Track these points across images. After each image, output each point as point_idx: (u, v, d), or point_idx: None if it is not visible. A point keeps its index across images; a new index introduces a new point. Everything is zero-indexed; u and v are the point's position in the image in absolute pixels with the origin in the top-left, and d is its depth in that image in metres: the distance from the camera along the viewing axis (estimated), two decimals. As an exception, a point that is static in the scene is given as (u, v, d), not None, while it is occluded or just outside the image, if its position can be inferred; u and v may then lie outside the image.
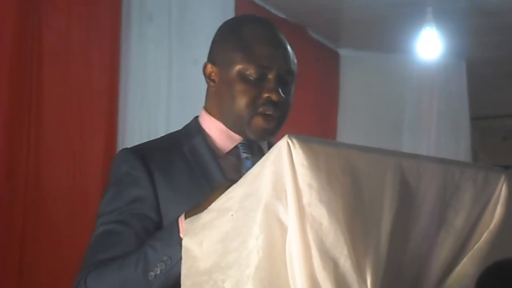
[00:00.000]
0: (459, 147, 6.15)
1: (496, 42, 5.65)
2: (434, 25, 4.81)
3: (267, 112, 1.68)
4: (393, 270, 1.39)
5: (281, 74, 1.70)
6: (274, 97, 1.68)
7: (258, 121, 1.69)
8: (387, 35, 5.48)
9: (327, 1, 4.92)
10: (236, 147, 1.74)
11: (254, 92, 1.68)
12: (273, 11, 4.94)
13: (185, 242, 1.46)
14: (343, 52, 5.94)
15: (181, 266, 1.46)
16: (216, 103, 1.75)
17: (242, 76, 1.69)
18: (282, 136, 1.31)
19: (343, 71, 5.94)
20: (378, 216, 1.35)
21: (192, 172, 1.68)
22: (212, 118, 1.76)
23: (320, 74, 5.63)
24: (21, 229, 3.11)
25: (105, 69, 3.61)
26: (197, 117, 1.80)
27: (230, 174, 1.70)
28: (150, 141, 1.80)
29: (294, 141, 1.28)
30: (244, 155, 1.74)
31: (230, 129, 1.73)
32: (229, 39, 1.73)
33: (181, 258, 1.47)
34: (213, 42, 1.79)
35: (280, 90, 1.69)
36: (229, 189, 1.42)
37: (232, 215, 1.38)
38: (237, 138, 1.74)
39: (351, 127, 5.82)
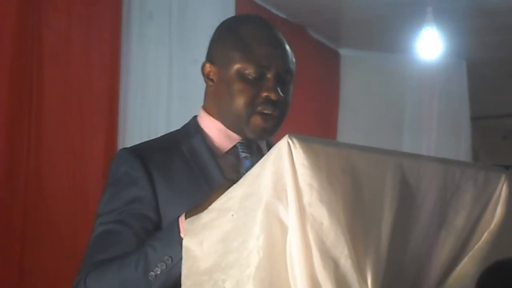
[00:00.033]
0: (459, 147, 6.15)
1: (496, 42, 5.65)
2: (434, 25, 4.81)
3: (266, 111, 1.68)
4: (394, 270, 1.39)
5: (280, 74, 1.70)
6: (273, 96, 1.68)
7: (257, 120, 1.69)
8: (387, 35, 5.47)
9: (327, 1, 4.92)
10: (235, 146, 1.74)
11: (253, 92, 1.68)
12: (273, 11, 4.94)
13: (185, 242, 1.46)
14: (343, 52, 5.94)
15: (181, 266, 1.46)
16: (215, 103, 1.75)
17: (240, 76, 1.69)
18: (282, 136, 1.31)
19: (344, 71, 5.94)
20: (378, 216, 1.35)
21: (191, 171, 1.68)
22: (211, 118, 1.75)
23: (320, 74, 5.62)
24: (21, 229, 3.11)
25: (106, 68, 3.61)
26: (195, 116, 1.80)
27: (229, 173, 1.70)
28: (149, 141, 1.80)
29: (295, 141, 1.28)
30: (243, 154, 1.74)
31: (229, 129, 1.73)
32: (228, 38, 1.73)
33: (181, 258, 1.46)
34: (211, 41, 1.79)
35: (279, 89, 1.69)
36: (230, 189, 1.42)
37: (232, 215, 1.38)
38: (236, 138, 1.74)
39: (352, 127, 5.82)
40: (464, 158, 5.98)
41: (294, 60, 1.75)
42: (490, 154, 8.07)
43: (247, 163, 1.73)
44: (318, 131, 5.48)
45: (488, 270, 1.58)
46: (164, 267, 1.53)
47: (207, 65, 1.76)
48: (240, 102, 1.69)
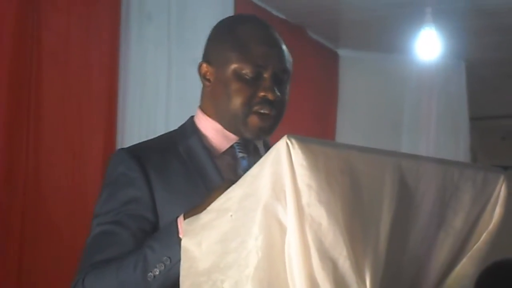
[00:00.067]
0: (458, 148, 6.15)
1: (495, 42, 5.65)
2: (433, 26, 4.81)
3: (263, 111, 1.68)
4: (392, 271, 1.39)
5: (277, 73, 1.70)
6: (270, 96, 1.68)
7: (254, 120, 1.69)
8: (386, 36, 5.47)
9: (326, 1, 4.92)
10: (232, 146, 1.75)
11: (250, 91, 1.68)
12: (272, 11, 4.94)
13: (184, 243, 1.46)
14: (342, 52, 5.94)
15: (180, 267, 1.46)
16: (212, 103, 1.75)
17: (237, 75, 1.69)
18: (281, 136, 1.31)
19: (343, 71, 5.93)
20: (377, 216, 1.35)
21: (188, 172, 1.68)
22: (208, 118, 1.75)
23: (319, 74, 5.62)
24: (20, 229, 3.11)
25: (104, 69, 3.61)
26: (192, 117, 1.80)
27: (226, 173, 1.70)
28: (146, 141, 1.80)
29: (293, 141, 1.28)
30: (240, 154, 1.74)
31: (226, 129, 1.73)
32: (224, 38, 1.73)
33: (180, 259, 1.46)
34: (208, 41, 1.79)
35: (276, 89, 1.69)
36: (228, 190, 1.42)
37: (231, 215, 1.38)
38: (233, 138, 1.74)
39: (350, 127, 5.81)
40: (463, 158, 5.98)
41: (290, 59, 1.75)
42: (489, 154, 8.06)
43: (244, 163, 1.73)
44: (317, 131, 5.48)
45: (487, 270, 1.58)
46: (163, 268, 1.53)
47: (204, 65, 1.76)
48: (237, 102, 1.69)
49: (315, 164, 1.28)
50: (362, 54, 5.88)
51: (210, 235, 1.41)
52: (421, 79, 5.69)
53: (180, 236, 1.50)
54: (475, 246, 1.54)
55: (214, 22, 1.84)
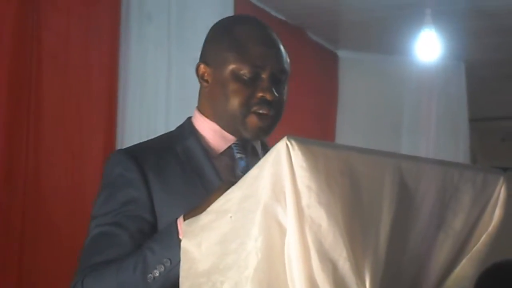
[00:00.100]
0: (458, 149, 6.15)
1: (495, 44, 5.65)
2: (433, 27, 4.81)
3: (261, 111, 1.68)
4: (392, 272, 1.39)
5: (275, 74, 1.70)
6: (268, 96, 1.68)
7: (253, 120, 1.69)
8: (386, 37, 5.48)
9: (326, 3, 4.92)
10: (229, 147, 1.74)
11: (248, 92, 1.68)
12: (272, 12, 4.94)
13: (183, 244, 1.46)
14: (342, 53, 5.94)
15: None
16: (210, 103, 1.75)
17: (235, 76, 1.69)
18: (280, 137, 1.31)
19: (342, 72, 5.93)
20: (377, 217, 1.35)
21: (186, 173, 1.68)
22: (206, 119, 1.75)
23: (319, 76, 5.63)
24: (20, 229, 3.11)
25: (104, 69, 3.61)
26: (190, 117, 1.80)
27: (224, 174, 1.70)
28: (143, 142, 1.80)
29: (293, 143, 1.28)
30: (238, 155, 1.74)
31: (224, 129, 1.73)
32: (222, 39, 1.73)
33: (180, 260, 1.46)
34: (205, 42, 1.79)
35: (274, 90, 1.69)
36: (228, 191, 1.42)
37: (231, 216, 1.38)
38: (231, 139, 1.74)
39: (350, 128, 5.82)
40: (463, 160, 5.98)
41: (288, 60, 1.75)
42: (489, 156, 8.06)
43: (242, 163, 1.73)
44: (317, 132, 5.48)
45: (487, 272, 1.59)
46: (163, 269, 1.53)
47: (202, 66, 1.76)
48: (235, 102, 1.68)
49: (315, 165, 1.28)
50: (362, 55, 5.88)
51: (209, 236, 1.41)
52: (420, 80, 5.69)
53: (180, 237, 1.50)
54: (474, 248, 1.54)
55: (213, 23, 1.84)
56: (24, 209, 3.12)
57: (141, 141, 1.82)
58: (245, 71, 1.68)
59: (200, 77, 1.76)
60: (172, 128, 1.82)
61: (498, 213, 1.55)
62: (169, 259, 1.52)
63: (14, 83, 3.11)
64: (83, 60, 3.49)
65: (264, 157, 1.34)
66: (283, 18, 5.06)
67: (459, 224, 1.51)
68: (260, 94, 1.68)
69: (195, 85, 1.81)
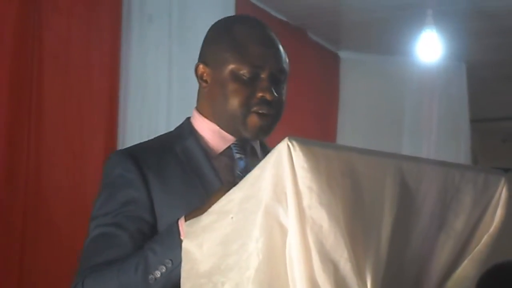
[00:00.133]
0: (459, 150, 6.15)
1: (496, 44, 5.65)
2: (434, 28, 4.81)
3: (261, 111, 1.68)
4: (393, 273, 1.39)
5: (274, 73, 1.70)
6: (268, 96, 1.68)
7: (254, 120, 1.68)
8: (387, 38, 5.48)
9: (327, 3, 4.92)
10: (229, 147, 1.74)
11: (248, 92, 1.68)
12: (273, 13, 4.95)
13: (185, 245, 1.45)
14: (343, 54, 5.94)
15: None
16: (209, 104, 1.74)
17: (235, 76, 1.69)
18: (281, 138, 1.31)
19: (343, 73, 5.94)
20: (378, 218, 1.35)
21: (185, 173, 1.68)
22: (205, 119, 1.75)
23: (320, 76, 5.63)
24: (21, 229, 3.11)
25: (106, 69, 3.61)
26: (189, 118, 1.79)
27: (223, 174, 1.70)
28: (142, 142, 1.79)
29: (294, 143, 1.28)
30: (237, 155, 1.73)
31: (224, 129, 1.73)
32: (221, 39, 1.73)
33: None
34: (204, 42, 1.79)
35: (273, 89, 1.69)
36: (229, 192, 1.42)
37: (232, 217, 1.38)
38: (230, 139, 1.74)
39: (351, 129, 5.82)
40: (464, 160, 5.98)
41: (287, 60, 1.75)
42: (490, 157, 8.06)
43: (241, 164, 1.73)
44: (318, 133, 5.48)
45: (488, 273, 1.58)
46: (164, 270, 1.52)
47: (201, 66, 1.75)
48: (235, 102, 1.68)
49: (316, 166, 1.28)
50: (363, 56, 5.88)
51: (211, 237, 1.41)
52: (422, 81, 5.70)
53: (181, 238, 1.50)
54: (476, 248, 1.54)
55: (214, 23, 1.84)
56: (25, 209, 3.13)
57: (142, 141, 1.82)
58: (244, 71, 1.68)
59: (199, 77, 1.76)
60: (173, 128, 1.82)
61: (499, 214, 1.55)
62: (171, 260, 1.52)
63: (15, 83, 3.12)
64: (84, 60, 3.49)
65: (265, 158, 1.34)
66: (284, 18, 5.07)
67: (460, 225, 1.50)
68: (260, 94, 1.68)
69: (196, 85, 1.81)
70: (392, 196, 1.37)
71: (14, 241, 3.08)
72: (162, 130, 1.85)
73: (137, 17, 3.77)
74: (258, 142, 1.78)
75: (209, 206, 1.45)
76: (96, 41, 3.56)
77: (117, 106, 3.65)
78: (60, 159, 3.33)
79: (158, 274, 1.53)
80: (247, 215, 1.34)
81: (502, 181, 1.55)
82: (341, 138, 5.76)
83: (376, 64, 5.89)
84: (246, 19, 1.79)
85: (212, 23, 1.83)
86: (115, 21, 3.67)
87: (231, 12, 4.10)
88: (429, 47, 4.91)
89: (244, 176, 1.40)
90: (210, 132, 1.74)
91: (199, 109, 1.77)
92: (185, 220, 1.51)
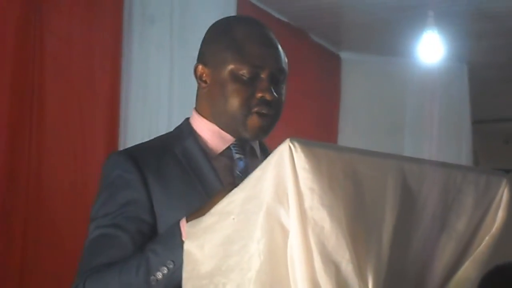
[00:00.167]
0: (460, 151, 6.15)
1: (497, 46, 5.65)
2: (435, 29, 4.81)
3: (262, 111, 1.68)
4: (395, 274, 1.38)
5: (273, 73, 1.70)
6: (268, 96, 1.68)
7: (254, 120, 1.68)
8: (388, 39, 5.48)
9: (328, 4, 4.92)
10: (228, 148, 1.74)
11: (248, 92, 1.68)
12: (274, 14, 4.95)
13: (186, 245, 1.45)
14: (344, 55, 5.94)
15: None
16: (208, 104, 1.74)
17: (234, 76, 1.68)
18: (282, 139, 1.30)
19: (345, 74, 5.94)
20: (380, 219, 1.35)
21: (185, 173, 1.67)
22: (204, 119, 1.75)
23: (321, 77, 5.63)
24: (22, 230, 3.11)
25: (107, 71, 3.61)
26: (188, 118, 1.79)
27: (223, 175, 1.69)
28: (141, 143, 1.79)
29: (296, 144, 1.28)
30: (237, 155, 1.73)
31: (223, 130, 1.72)
32: (220, 39, 1.73)
33: (184, 262, 1.46)
34: (203, 43, 1.78)
35: (273, 89, 1.69)
36: (231, 193, 1.42)
37: (233, 218, 1.37)
38: (229, 139, 1.73)
39: (352, 130, 5.82)
40: (465, 161, 5.98)
41: (286, 60, 1.75)
42: (491, 158, 8.06)
43: (241, 164, 1.72)
44: (319, 134, 5.48)
45: (489, 274, 1.58)
46: (166, 271, 1.52)
47: (200, 66, 1.75)
48: (235, 103, 1.68)
49: (318, 167, 1.28)
50: (364, 57, 5.88)
51: (212, 238, 1.41)
52: (423, 82, 5.69)
53: (183, 239, 1.50)
54: (477, 250, 1.54)
55: (216, 25, 1.84)
56: (26, 209, 3.13)
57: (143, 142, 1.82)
58: (244, 71, 1.68)
59: (198, 78, 1.76)
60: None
61: (501, 215, 1.55)
62: (173, 261, 1.51)
63: (17, 85, 3.12)
64: (85, 61, 3.49)
65: (267, 159, 1.34)
66: (285, 20, 5.07)
67: (462, 226, 1.50)
68: (259, 95, 1.68)
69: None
70: (394, 197, 1.37)
71: (15, 243, 3.08)
72: (163, 131, 1.85)
73: (138, 18, 3.78)
74: (257, 142, 1.78)
75: (211, 207, 1.45)
76: (98, 42, 3.56)
77: (119, 107, 3.65)
78: (61, 160, 3.33)
79: (159, 275, 1.52)
80: (249, 216, 1.34)
81: (504, 182, 1.55)
82: (342, 139, 5.76)
83: (378, 65, 5.89)
84: (244, 19, 1.79)
85: (214, 24, 1.83)
86: (117, 22, 3.67)
87: (232, 14, 4.10)
88: (431, 48, 4.90)
89: (244, 176, 1.40)
90: (209, 132, 1.74)
91: (198, 110, 1.77)
92: (187, 221, 1.51)
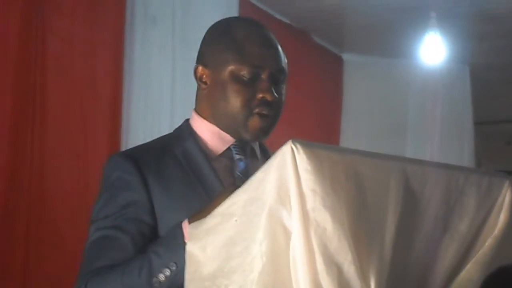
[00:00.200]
0: (462, 152, 6.15)
1: (499, 47, 5.65)
2: (437, 30, 4.81)
3: (263, 112, 1.68)
4: (397, 276, 1.38)
5: (274, 74, 1.70)
6: (268, 97, 1.67)
7: (255, 121, 1.68)
8: (390, 40, 5.48)
9: (331, 6, 4.92)
10: (228, 148, 1.73)
11: (248, 93, 1.67)
12: (277, 16, 4.95)
13: (188, 247, 1.45)
14: (346, 57, 5.94)
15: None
16: (209, 105, 1.74)
17: (235, 77, 1.68)
18: (285, 141, 1.30)
19: (347, 76, 5.94)
20: (382, 221, 1.35)
21: (185, 175, 1.67)
22: (204, 120, 1.75)
23: (323, 79, 5.63)
24: (25, 231, 3.11)
25: (109, 72, 3.61)
26: (188, 119, 1.79)
27: (223, 176, 1.69)
28: (141, 144, 1.79)
29: (298, 146, 1.28)
30: (237, 156, 1.73)
31: (223, 131, 1.72)
32: (220, 40, 1.72)
33: (186, 263, 1.46)
34: (202, 44, 1.78)
35: (273, 90, 1.68)
36: (233, 194, 1.42)
37: (236, 220, 1.37)
38: (229, 140, 1.73)
39: (355, 132, 5.82)
40: (467, 163, 5.97)
41: (286, 60, 1.75)
42: (493, 159, 8.06)
43: (241, 165, 1.72)
44: (321, 136, 5.48)
45: (492, 276, 1.57)
46: (168, 273, 1.52)
47: (200, 67, 1.75)
48: (236, 104, 1.68)
49: (320, 169, 1.28)
50: (367, 58, 5.88)
51: (214, 239, 1.41)
52: (425, 83, 5.69)
53: (185, 240, 1.49)
54: (480, 251, 1.54)
55: (217, 25, 1.84)
56: (28, 210, 3.13)
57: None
58: (244, 72, 1.68)
59: (198, 79, 1.75)
60: (174, 130, 1.82)
61: (503, 216, 1.55)
62: (175, 263, 1.51)
63: (19, 86, 3.12)
64: (87, 62, 3.50)
65: (269, 160, 1.34)
66: (287, 21, 5.07)
67: (464, 227, 1.50)
68: (260, 95, 1.67)
69: (199, 87, 1.81)
70: (396, 198, 1.36)
71: (18, 243, 3.08)
72: (165, 131, 1.85)
73: (140, 19, 3.78)
74: (257, 143, 1.78)
75: (213, 209, 1.45)
76: (100, 43, 3.56)
77: (121, 107, 3.65)
78: (63, 161, 3.34)
79: (162, 277, 1.52)
80: (251, 218, 1.34)
81: (506, 184, 1.55)
82: (344, 140, 5.76)
83: (380, 66, 5.89)
84: (244, 20, 1.79)
85: (215, 25, 1.82)
86: (119, 22, 3.68)
87: (234, 15, 4.10)
88: (433, 50, 4.90)
89: (244, 177, 1.39)
90: (209, 133, 1.74)
91: (198, 111, 1.77)
92: (189, 223, 1.51)
